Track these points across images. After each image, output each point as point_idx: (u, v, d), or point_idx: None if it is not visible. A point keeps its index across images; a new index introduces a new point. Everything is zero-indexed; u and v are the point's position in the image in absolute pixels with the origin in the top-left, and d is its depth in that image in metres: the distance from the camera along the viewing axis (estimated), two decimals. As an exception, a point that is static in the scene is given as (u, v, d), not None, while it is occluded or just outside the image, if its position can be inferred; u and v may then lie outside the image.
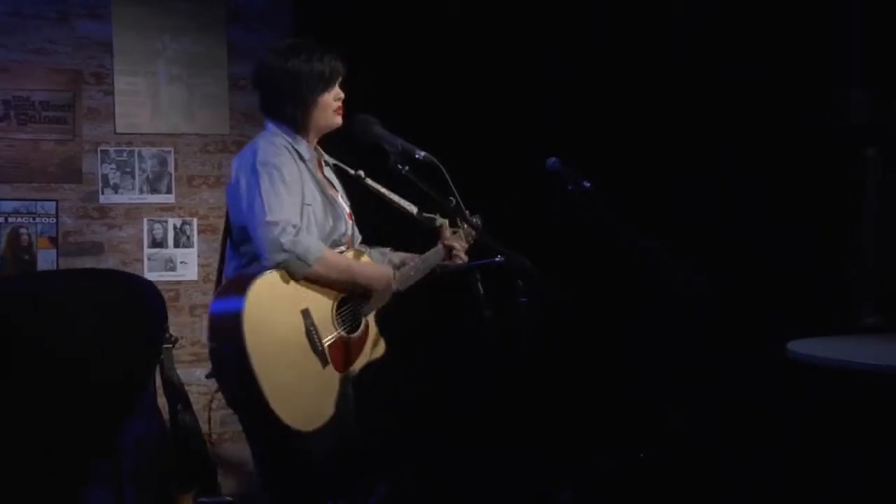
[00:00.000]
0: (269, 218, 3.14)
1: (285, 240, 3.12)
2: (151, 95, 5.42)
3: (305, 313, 3.19)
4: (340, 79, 3.39)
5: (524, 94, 5.09)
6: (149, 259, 5.41)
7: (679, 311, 4.58)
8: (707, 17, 4.76)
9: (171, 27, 5.45)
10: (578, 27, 5.01)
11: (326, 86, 3.35)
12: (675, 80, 4.84)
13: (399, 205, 3.48)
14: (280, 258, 3.13)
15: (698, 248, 4.39)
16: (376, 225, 3.64)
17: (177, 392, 4.91)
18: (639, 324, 4.82)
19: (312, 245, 3.17)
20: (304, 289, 3.20)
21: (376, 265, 3.38)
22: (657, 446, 4.67)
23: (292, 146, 3.33)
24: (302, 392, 3.14)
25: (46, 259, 5.24)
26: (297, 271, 3.15)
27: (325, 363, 3.21)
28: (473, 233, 3.53)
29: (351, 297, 3.33)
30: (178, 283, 5.41)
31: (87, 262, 5.30)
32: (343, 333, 3.28)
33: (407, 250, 3.64)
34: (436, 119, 4.82)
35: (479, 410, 5.05)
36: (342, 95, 3.40)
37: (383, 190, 3.47)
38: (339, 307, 3.29)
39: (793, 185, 4.62)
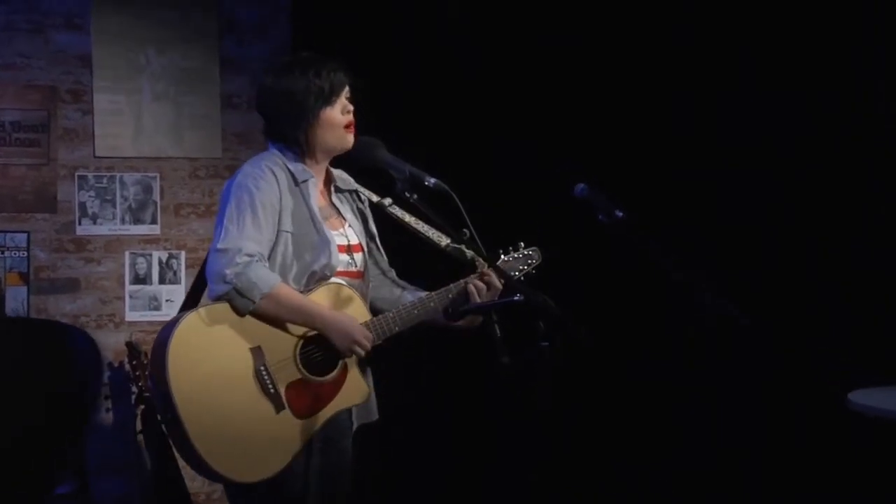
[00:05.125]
0: (219, 245, 3.15)
1: (230, 270, 3.10)
2: (135, 115, 5.40)
3: (256, 352, 3.14)
4: (346, 90, 3.37)
5: (549, 111, 5.05)
6: (130, 297, 5.38)
7: (721, 354, 4.56)
8: (739, 31, 4.76)
9: (156, 39, 5.44)
10: (602, 41, 5.01)
11: (327, 101, 3.32)
12: (727, 100, 4.82)
13: (427, 236, 3.41)
14: (221, 290, 3.11)
15: (751, 285, 4.40)
16: (408, 258, 3.59)
17: (161, 445, 4.86)
18: (676, 368, 4.76)
19: (261, 278, 3.12)
20: (256, 324, 3.15)
21: (342, 313, 3.27)
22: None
23: (287, 169, 3.31)
24: (243, 439, 3.10)
25: (16, 297, 5.21)
26: (241, 308, 3.12)
27: (279, 408, 3.15)
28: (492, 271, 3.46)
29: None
30: (164, 323, 5.35)
31: (62, 300, 5.28)
32: (308, 376, 3.21)
33: (436, 286, 3.53)
34: (447, 141, 4.83)
35: (490, 467, 5.03)
36: (351, 108, 3.36)
37: (409, 219, 3.41)
38: (304, 346, 3.22)
39: (854, 218, 4.58)
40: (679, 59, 4.87)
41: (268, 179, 3.25)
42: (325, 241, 3.31)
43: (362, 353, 3.26)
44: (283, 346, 3.20)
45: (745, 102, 4.75)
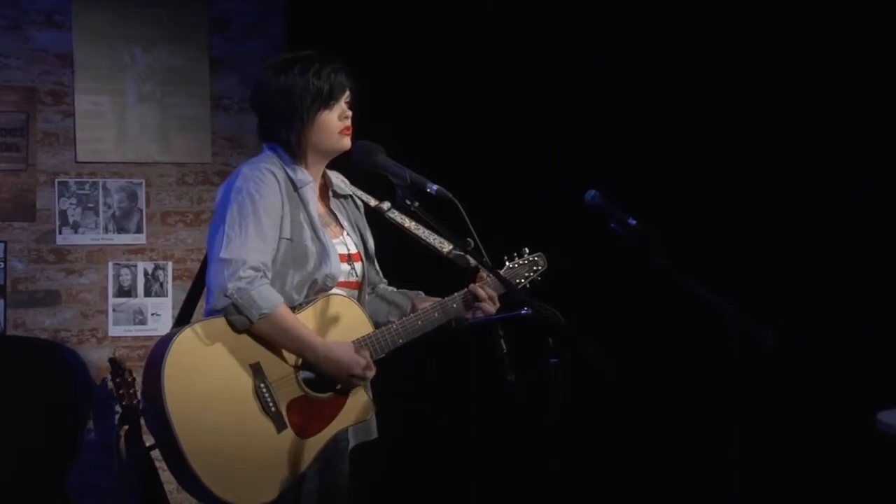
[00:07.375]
0: (222, 254, 3.15)
1: (232, 285, 3.11)
2: (119, 117, 5.38)
3: (256, 369, 3.15)
4: (347, 95, 3.37)
5: (549, 111, 5.07)
6: (114, 310, 5.35)
7: (741, 371, 4.54)
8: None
9: (142, 37, 5.41)
10: (602, 41, 5.05)
11: (325, 103, 3.32)
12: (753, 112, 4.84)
13: (427, 242, 3.44)
14: (220, 304, 3.12)
15: (776, 301, 4.44)
16: (406, 263, 3.59)
17: (145, 470, 4.84)
18: (694, 387, 4.75)
19: (263, 298, 3.13)
20: (256, 339, 3.17)
21: (339, 344, 3.26)
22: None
23: (285, 172, 3.31)
24: (243, 461, 3.11)
25: (-7, 310, 5.19)
26: (237, 325, 3.14)
27: (280, 427, 3.16)
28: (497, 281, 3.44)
29: None
30: (150, 339, 5.30)
31: (41, 314, 5.24)
32: (310, 393, 3.22)
33: (435, 292, 3.55)
34: (449, 146, 4.86)
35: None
36: (349, 114, 3.37)
37: (409, 224, 3.44)
38: (305, 361, 3.22)
39: (881, 231, 4.59)
40: (679, 59, 4.92)
41: (268, 183, 3.25)
42: (326, 250, 3.32)
43: (361, 384, 3.29)
44: (283, 362, 3.22)
45: (745, 102, 4.80)
